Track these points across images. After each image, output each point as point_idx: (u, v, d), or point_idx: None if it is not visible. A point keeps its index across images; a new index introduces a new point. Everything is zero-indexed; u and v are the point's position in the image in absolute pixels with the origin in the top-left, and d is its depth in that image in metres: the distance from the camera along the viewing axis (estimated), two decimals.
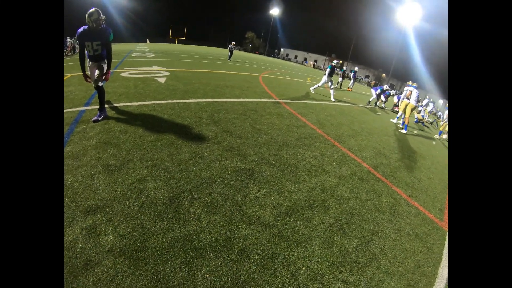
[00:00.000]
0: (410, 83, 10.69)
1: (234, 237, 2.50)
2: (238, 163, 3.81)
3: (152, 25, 60.14)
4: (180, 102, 6.13)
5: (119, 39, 44.82)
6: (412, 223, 3.59)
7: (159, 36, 57.09)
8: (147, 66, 11.38)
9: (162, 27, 61.83)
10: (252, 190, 3.24)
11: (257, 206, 2.97)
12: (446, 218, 4.20)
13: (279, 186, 3.45)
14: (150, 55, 17.89)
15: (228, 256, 2.28)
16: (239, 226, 2.65)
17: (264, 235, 2.60)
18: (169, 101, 6.05)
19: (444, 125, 13.39)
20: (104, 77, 4.72)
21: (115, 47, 5.28)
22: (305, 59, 76.28)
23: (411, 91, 10.25)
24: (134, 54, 18.20)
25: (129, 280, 1.95)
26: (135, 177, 3.14)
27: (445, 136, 13.14)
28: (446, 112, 14.33)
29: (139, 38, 50.37)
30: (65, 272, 1.94)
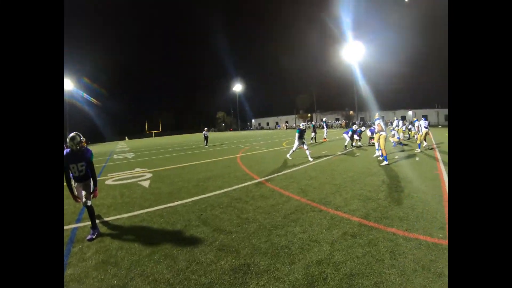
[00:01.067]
0: (376, 116, 11.40)
1: None
2: (233, 260, 3.91)
3: (129, 123, 62.51)
4: (167, 207, 6.33)
5: (99, 139, 45.82)
6: (415, 258, 3.65)
7: (137, 132, 59.22)
8: (130, 169, 11.70)
9: (138, 123, 64.52)
10: (251, 284, 3.33)
11: None
12: None
13: (276, 272, 3.55)
14: (131, 155, 18.35)
15: None
16: None
17: None
18: (156, 208, 6.25)
19: (419, 136, 13.99)
20: (92, 195, 4.97)
21: (96, 148, 5.44)
22: (277, 123, 79.73)
23: (379, 123, 10.91)
24: (115, 156, 18.62)
25: None
26: None
27: (425, 144, 13.73)
28: (416, 122, 15.08)
29: (118, 136, 51.77)
30: None
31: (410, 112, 64.70)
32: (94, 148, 6.50)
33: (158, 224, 5.37)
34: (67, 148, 4.77)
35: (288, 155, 13.08)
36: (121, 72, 69.10)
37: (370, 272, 3.41)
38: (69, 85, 43.46)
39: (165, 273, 3.65)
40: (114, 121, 58.43)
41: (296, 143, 12.39)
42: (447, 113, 63.02)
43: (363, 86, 59.53)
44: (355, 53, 53.41)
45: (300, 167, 10.81)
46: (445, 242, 4.06)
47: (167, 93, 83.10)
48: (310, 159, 11.98)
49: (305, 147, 12.27)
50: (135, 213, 5.85)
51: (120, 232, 5.12)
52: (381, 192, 6.63)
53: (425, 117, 16.44)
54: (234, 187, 7.99)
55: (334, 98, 66.64)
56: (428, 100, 63.65)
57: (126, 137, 52.93)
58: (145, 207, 6.26)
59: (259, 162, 12.88)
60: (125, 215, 5.72)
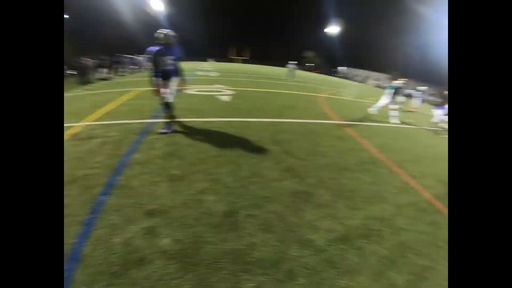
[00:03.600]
0: None
1: (284, 257, 2.49)
2: (296, 184, 3.80)
3: (213, 47, 63.34)
4: (242, 121, 6.36)
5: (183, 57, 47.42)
6: None
7: (221, 56, 60.23)
8: (212, 84, 11.95)
9: (223, 47, 65.44)
10: (307, 213, 3.21)
11: (311, 230, 2.93)
12: None
13: (335, 211, 3.36)
14: (215, 74, 18.78)
15: (275, 275, 2.27)
16: (291, 247, 2.63)
17: (314, 259, 2.54)
18: (233, 119, 6.32)
19: None
20: (178, 89, 5.18)
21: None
22: (367, 77, 73.50)
23: None
24: (199, 73, 19.25)
25: (176, 282, 2.06)
26: (196, 188, 3.31)
27: None
28: None
29: (200, 57, 52.79)
30: (118, 265, 2.14)
31: None
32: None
33: (230, 133, 5.44)
34: (157, 45, 4.80)
35: (372, 109, 11.70)
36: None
37: (425, 254, 3.02)
38: (159, 5, 45.64)
39: (226, 176, 3.69)
40: (198, 44, 59.28)
41: (386, 100, 10.95)
42: None
43: None
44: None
45: (383, 124, 9.79)
46: None
47: (252, 21, 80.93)
48: (393, 120, 10.69)
49: (394, 107, 10.92)
50: (211, 119, 5.97)
51: (192, 132, 5.30)
52: None
53: None
54: (311, 121, 7.71)
55: (436, 72, 57.88)
56: None
57: (212, 59, 53.59)
58: (222, 116, 6.36)
59: (341, 106, 12.12)
60: (201, 119, 5.87)
